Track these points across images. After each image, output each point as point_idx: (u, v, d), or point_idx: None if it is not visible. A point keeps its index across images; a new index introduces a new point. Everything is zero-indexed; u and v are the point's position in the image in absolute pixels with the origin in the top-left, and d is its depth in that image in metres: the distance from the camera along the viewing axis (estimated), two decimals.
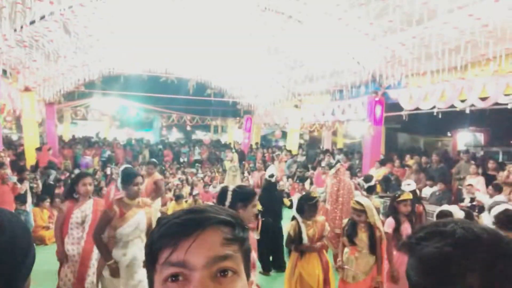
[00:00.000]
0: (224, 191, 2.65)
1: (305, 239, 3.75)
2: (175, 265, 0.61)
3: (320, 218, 3.94)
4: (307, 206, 3.81)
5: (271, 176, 6.07)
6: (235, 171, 6.69)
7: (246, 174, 12.86)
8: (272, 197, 5.82)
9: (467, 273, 0.69)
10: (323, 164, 10.65)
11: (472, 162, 8.93)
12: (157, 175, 6.53)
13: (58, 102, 13.98)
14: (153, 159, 7.20)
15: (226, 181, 6.62)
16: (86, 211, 3.91)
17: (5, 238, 0.87)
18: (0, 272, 0.85)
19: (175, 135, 25.98)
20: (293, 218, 3.96)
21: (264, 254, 5.24)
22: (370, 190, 5.56)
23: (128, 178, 3.44)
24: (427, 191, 8.39)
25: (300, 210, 3.86)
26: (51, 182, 9.05)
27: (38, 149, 11.30)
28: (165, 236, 0.64)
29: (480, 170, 8.26)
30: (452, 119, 12.03)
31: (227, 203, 2.55)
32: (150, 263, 0.66)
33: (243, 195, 2.60)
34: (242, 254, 0.67)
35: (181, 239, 0.62)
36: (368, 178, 5.59)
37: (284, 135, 18.58)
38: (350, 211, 3.98)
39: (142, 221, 3.42)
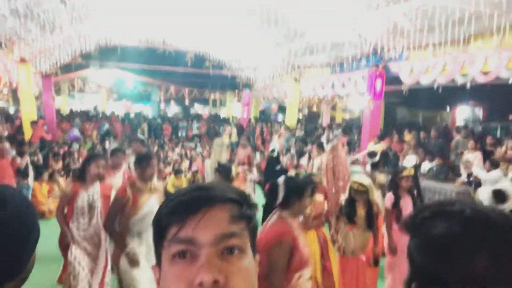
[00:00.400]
0: (274, 185, 2.44)
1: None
2: (182, 242, 0.62)
3: (319, 197, 3.94)
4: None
5: (273, 151, 6.13)
6: (221, 145, 6.47)
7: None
8: (275, 172, 5.88)
9: (476, 254, 0.68)
10: (322, 139, 10.68)
11: (470, 138, 8.96)
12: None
13: (55, 75, 13.81)
14: (139, 136, 6.51)
15: (213, 157, 6.47)
16: (93, 195, 3.58)
17: (9, 214, 0.87)
18: (5, 248, 0.86)
19: (173, 109, 25.87)
20: None
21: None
22: (375, 166, 5.55)
23: (145, 159, 3.21)
24: (425, 167, 8.44)
25: None
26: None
27: (33, 123, 11.18)
28: (172, 213, 0.64)
29: (478, 146, 8.29)
30: (452, 94, 11.99)
31: (280, 198, 2.38)
32: (158, 239, 0.67)
33: (297, 187, 2.41)
34: (249, 232, 0.67)
35: (188, 216, 0.62)
36: (372, 154, 5.58)
37: (282, 109, 18.50)
38: (347, 190, 3.98)
39: (156, 208, 3.26)
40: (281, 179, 2.47)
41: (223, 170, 4.39)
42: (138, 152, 5.48)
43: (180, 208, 0.64)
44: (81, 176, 3.59)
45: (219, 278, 0.58)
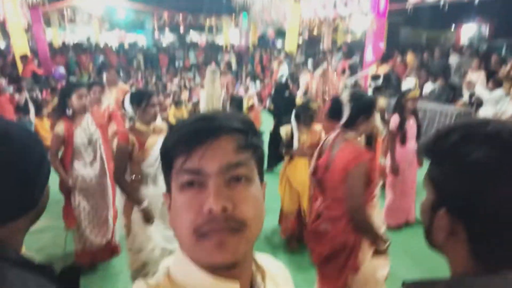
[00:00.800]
0: (337, 103, 2.22)
1: (296, 145, 3.76)
2: (189, 172, 0.63)
3: (317, 127, 3.87)
4: (303, 117, 3.76)
5: (281, 77, 6.06)
6: (213, 74, 6.20)
7: (244, 79, 12.65)
8: (283, 99, 5.84)
9: None
10: (324, 65, 10.41)
11: (475, 57, 8.73)
12: (124, 86, 5.52)
13: (42, 4, 13.11)
14: (99, 81, 5.80)
15: (206, 86, 6.26)
16: (89, 128, 3.29)
17: (15, 149, 0.87)
18: (14, 183, 0.86)
19: (168, 38, 24.97)
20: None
21: (271, 151, 5.46)
22: (377, 90, 5.48)
23: (142, 99, 2.76)
24: (427, 88, 8.35)
25: (296, 116, 3.80)
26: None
27: (24, 58, 10.73)
28: (178, 144, 0.65)
29: (482, 65, 8.12)
30: (458, 11, 11.43)
31: (345, 117, 2.17)
32: (166, 169, 0.68)
33: (365, 105, 2.18)
34: (256, 160, 0.68)
35: (194, 147, 0.63)
36: (376, 77, 5.48)
37: (282, 35, 17.83)
38: None
39: None
40: (345, 97, 2.22)
41: (235, 102, 4.36)
42: (112, 84, 5.02)
43: (186, 140, 0.64)
44: (62, 112, 3.21)
45: (227, 206, 0.60)
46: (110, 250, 3.58)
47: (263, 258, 0.79)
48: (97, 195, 3.38)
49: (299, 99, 5.75)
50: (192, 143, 0.63)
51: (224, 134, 0.64)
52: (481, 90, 6.98)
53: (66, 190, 3.29)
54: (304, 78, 7.54)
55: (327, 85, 5.79)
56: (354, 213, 2.07)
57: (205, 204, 0.60)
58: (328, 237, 2.19)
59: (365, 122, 2.18)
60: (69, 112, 3.20)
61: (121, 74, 11.57)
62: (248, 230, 0.62)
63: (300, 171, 3.76)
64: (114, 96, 4.86)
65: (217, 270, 0.63)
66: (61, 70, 12.44)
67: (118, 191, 2.90)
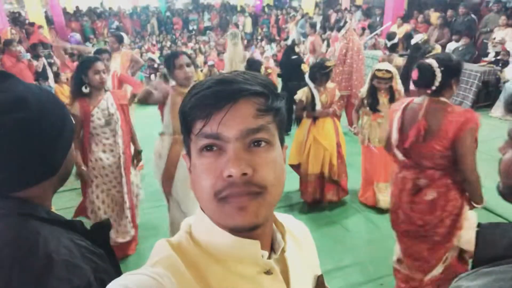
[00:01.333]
0: (427, 67, 2.13)
1: (319, 105, 3.74)
2: (208, 137, 0.62)
3: (331, 84, 3.85)
4: (319, 75, 3.71)
5: (286, 39, 5.92)
6: (234, 37, 6.00)
7: (259, 41, 12.36)
8: (290, 61, 5.74)
9: None
10: (341, 24, 10.08)
11: (503, 13, 8.28)
12: (127, 51, 5.29)
13: None
14: (119, 32, 5.52)
15: (228, 51, 6.10)
16: (109, 108, 2.94)
17: (33, 114, 0.87)
18: (33, 148, 0.87)
19: (181, 0, 24.42)
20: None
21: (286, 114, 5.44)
22: (393, 48, 5.30)
23: (171, 61, 2.68)
24: (451, 47, 8.04)
25: (312, 77, 3.76)
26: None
27: (30, 25, 10.49)
28: (197, 108, 0.63)
29: (510, 22, 7.71)
30: None
31: (437, 82, 2.12)
32: (185, 131, 0.67)
33: (456, 68, 2.13)
34: (276, 124, 0.66)
35: (213, 111, 0.61)
36: (391, 36, 5.27)
37: None
38: (369, 79, 3.82)
39: None
40: (433, 62, 2.13)
41: (253, 65, 4.30)
42: (114, 49, 4.89)
43: (204, 104, 0.62)
44: (78, 92, 2.86)
45: (247, 171, 0.59)
46: (128, 247, 3.27)
47: (283, 217, 0.79)
48: (115, 183, 3.09)
49: (304, 63, 5.62)
50: (211, 108, 0.61)
51: (243, 98, 0.62)
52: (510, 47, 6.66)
53: (82, 179, 3.01)
54: (309, 39, 7.33)
55: (351, 45, 5.64)
56: (470, 175, 2.08)
57: (225, 169, 0.59)
58: (438, 205, 2.21)
59: (455, 86, 2.15)
60: (86, 90, 2.85)
61: (134, 38, 11.39)
62: (268, 194, 0.62)
63: (328, 131, 3.80)
64: (119, 61, 4.82)
65: (238, 232, 0.64)
66: (77, 37, 12.40)
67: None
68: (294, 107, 4.04)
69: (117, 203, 3.13)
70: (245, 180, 0.59)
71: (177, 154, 2.79)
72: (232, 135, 0.60)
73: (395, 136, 2.30)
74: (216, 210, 0.62)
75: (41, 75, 6.75)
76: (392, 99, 3.71)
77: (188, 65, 2.70)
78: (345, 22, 5.83)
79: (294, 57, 5.76)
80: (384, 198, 3.74)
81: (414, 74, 2.22)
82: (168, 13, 18.00)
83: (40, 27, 10.86)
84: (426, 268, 2.33)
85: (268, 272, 0.67)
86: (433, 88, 2.14)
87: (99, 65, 2.83)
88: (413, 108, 2.25)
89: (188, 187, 2.65)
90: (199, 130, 0.62)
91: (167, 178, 2.86)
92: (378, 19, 11.09)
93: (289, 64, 5.71)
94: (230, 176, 0.59)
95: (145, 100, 2.96)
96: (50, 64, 7.43)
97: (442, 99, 2.16)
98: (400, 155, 2.30)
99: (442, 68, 2.10)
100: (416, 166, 2.26)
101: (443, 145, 2.10)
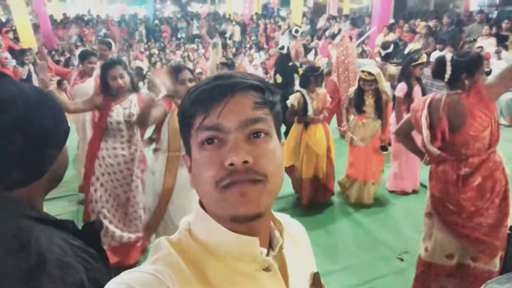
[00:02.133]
0: (441, 61, 2.25)
1: (310, 111, 3.81)
2: (209, 129, 0.63)
3: (321, 90, 3.93)
4: (313, 78, 3.78)
5: (282, 48, 5.99)
6: (215, 47, 6.11)
7: (248, 49, 12.43)
8: (287, 67, 5.80)
9: None
10: (327, 33, 10.20)
11: (485, 23, 8.51)
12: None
13: None
14: (107, 39, 5.45)
15: (210, 60, 6.19)
16: (130, 108, 2.94)
17: (19, 116, 0.85)
18: (21, 149, 0.85)
19: (170, 9, 24.51)
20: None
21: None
22: (387, 57, 5.38)
23: (176, 75, 2.70)
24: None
25: (305, 82, 3.84)
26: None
27: None
28: (196, 103, 0.65)
29: (493, 31, 7.92)
30: None
31: (447, 75, 2.21)
32: (185, 129, 0.68)
33: (468, 63, 2.19)
34: (273, 117, 0.68)
35: (212, 105, 0.63)
36: (385, 45, 5.35)
37: (286, 3, 17.41)
38: (356, 81, 3.95)
39: None
40: (448, 56, 2.25)
41: (230, 65, 4.36)
42: (103, 55, 4.79)
43: (203, 98, 0.64)
44: (107, 91, 2.91)
45: (248, 159, 0.60)
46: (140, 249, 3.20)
47: (281, 217, 0.80)
48: (122, 182, 3.06)
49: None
50: (210, 101, 0.63)
51: (241, 91, 0.64)
52: (493, 61, 6.83)
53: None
54: (291, 44, 7.40)
55: (345, 52, 5.75)
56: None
57: (226, 158, 0.60)
58: (488, 188, 2.28)
59: (470, 79, 2.21)
60: (113, 92, 2.90)
61: (122, 46, 11.35)
62: (268, 183, 0.63)
63: (320, 136, 3.90)
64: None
65: (238, 224, 0.64)
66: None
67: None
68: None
69: (120, 203, 3.08)
70: (246, 167, 0.61)
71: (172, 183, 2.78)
72: (232, 125, 0.62)
73: (426, 133, 2.34)
74: (218, 199, 0.62)
75: (25, 81, 6.67)
76: (378, 101, 3.82)
77: (190, 81, 2.73)
78: (339, 30, 5.91)
79: (290, 64, 5.82)
80: (369, 195, 4.05)
81: (432, 66, 2.38)
82: (156, 21, 18.01)
83: (7, 31, 10.34)
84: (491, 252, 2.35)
85: (266, 269, 0.68)
86: (445, 80, 2.26)
87: (116, 71, 2.84)
88: (436, 104, 2.33)
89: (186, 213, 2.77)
90: (199, 124, 0.64)
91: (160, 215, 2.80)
92: (367, 28, 11.27)
93: (285, 72, 5.77)
94: (231, 164, 0.60)
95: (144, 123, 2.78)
96: (35, 71, 7.33)
97: (459, 91, 2.25)
98: (434, 150, 2.34)
99: (453, 63, 2.21)
100: (455, 157, 2.31)
101: (478, 128, 2.18)
